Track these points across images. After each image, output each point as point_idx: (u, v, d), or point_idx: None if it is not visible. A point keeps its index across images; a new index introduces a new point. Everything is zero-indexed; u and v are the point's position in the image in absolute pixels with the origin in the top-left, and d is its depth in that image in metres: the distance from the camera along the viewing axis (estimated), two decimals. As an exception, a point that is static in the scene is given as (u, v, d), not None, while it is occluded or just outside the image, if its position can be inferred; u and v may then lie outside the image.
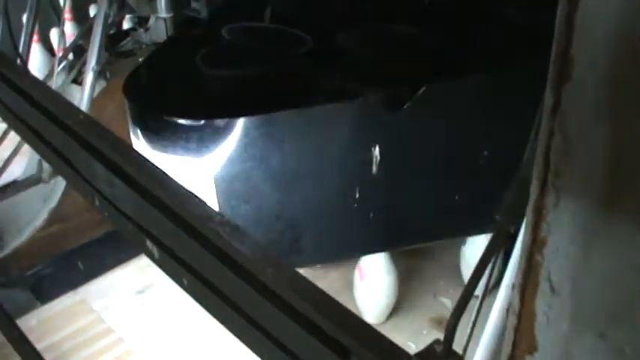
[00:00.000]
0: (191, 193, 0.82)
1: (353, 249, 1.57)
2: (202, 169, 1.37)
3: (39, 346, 1.52)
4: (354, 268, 2.01)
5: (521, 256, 0.72)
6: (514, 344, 0.76)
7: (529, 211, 0.69)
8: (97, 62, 2.12)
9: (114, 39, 2.42)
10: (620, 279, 0.64)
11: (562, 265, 0.68)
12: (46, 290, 2.29)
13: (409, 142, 1.42)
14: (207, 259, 0.81)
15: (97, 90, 2.25)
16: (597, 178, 0.62)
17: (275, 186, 1.39)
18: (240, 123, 1.34)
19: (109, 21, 2.21)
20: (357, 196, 1.42)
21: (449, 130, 1.44)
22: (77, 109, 1.06)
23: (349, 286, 2.04)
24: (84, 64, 2.16)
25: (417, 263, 2.21)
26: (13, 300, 2.30)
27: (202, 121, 1.37)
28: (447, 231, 1.60)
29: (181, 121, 1.38)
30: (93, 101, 2.22)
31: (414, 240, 1.60)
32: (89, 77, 2.12)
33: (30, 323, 2.17)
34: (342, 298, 1.97)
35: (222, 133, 1.35)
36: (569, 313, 0.69)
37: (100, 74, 2.21)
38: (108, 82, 2.31)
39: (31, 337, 1.48)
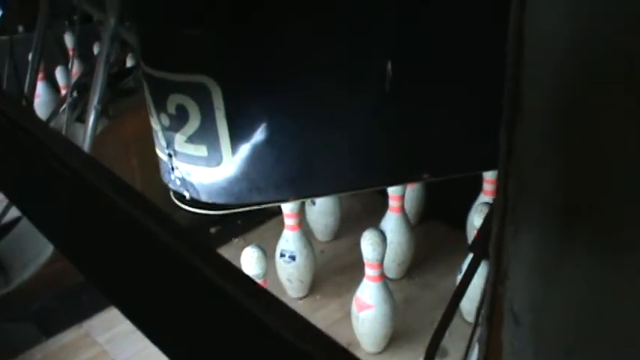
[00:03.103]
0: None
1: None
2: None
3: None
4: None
5: (487, 288, 0.75)
6: (485, 373, 0.79)
7: (491, 243, 0.73)
8: (99, 100, 2.18)
9: (116, 77, 2.48)
10: (578, 311, 0.68)
11: (523, 296, 0.71)
12: (50, 324, 2.32)
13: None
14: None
15: (100, 128, 2.30)
16: (551, 213, 0.65)
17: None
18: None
19: (112, 59, 2.26)
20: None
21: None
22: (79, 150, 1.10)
23: (350, 315, 2.06)
24: (87, 102, 2.21)
25: (414, 294, 2.24)
26: (19, 334, 2.33)
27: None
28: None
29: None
30: (95, 138, 2.27)
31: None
32: (91, 115, 2.17)
33: (35, 357, 2.21)
34: (341, 328, 2.01)
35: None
36: (532, 343, 0.72)
37: (102, 112, 2.27)
38: (110, 119, 2.37)
39: (36, 372, 1.51)
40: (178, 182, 1.58)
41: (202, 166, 1.51)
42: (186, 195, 1.58)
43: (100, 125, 2.32)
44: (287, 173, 1.48)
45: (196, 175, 1.54)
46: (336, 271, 2.35)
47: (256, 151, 1.46)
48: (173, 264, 0.89)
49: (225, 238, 2.60)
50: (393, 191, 2.14)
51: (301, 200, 2.12)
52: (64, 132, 2.29)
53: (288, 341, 0.79)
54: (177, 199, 1.63)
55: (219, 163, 1.49)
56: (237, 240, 2.57)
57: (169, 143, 1.54)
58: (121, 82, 2.50)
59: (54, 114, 2.45)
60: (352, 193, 2.32)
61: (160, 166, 1.62)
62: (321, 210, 2.42)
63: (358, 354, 2.04)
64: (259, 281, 1.87)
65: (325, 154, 1.48)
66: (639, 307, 0.62)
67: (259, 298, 0.82)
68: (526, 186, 0.67)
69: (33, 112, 2.53)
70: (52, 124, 2.40)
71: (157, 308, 0.89)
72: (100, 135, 2.32)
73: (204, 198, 1.56)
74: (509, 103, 0.65)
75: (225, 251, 2.46)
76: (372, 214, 2.42)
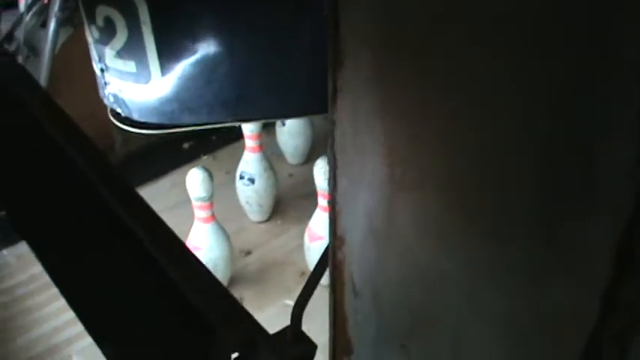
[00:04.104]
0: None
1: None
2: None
3: None
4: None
5: (329, 253, 0.67)
6: (333, 343, 0.71)
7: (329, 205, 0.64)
8: (60, 7, 2.08)
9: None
10: (410, 289, 0.59)
11: (361, 266, 0.62)
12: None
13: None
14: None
15: (64, 36, 2.21)
16: (378, 175, 0.56)
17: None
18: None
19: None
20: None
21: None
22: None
23: (305, 245, 2.00)
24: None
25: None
26: None
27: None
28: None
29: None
30: (59, 47, 2.19)
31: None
32: (52, 22, 2.08)
33: None
34: (298, 256, 1.92)
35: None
36: (374, 319, 0.64)
37: (67, 20, 2.17)
38: (75, 28, 2.27)
39: None
40: (112, 98, 1.50)
41: (132, 83, 1.42)
42: (120, 112, 1.50)
43: (65, 33, 2.23)
44: (219, 95, 1.39)
45: (127, 91, 1.45)
46: (302, 196, 2.27)
47: (186, 71, 1.36)
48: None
49: (195, 154, 2.52)
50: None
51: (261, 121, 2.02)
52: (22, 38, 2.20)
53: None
54: (113, 116, 1.54)
55: (147, 81, 1.39)
56: (205, 157, 2.49)
57: (100, 57, 1.45)
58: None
59: (20, 19, 2.34)
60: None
61: (97, 81, 1.54)
62: (291, 131, 2.33)
63: (311, 284, 1.98)
64: (205, 204, 1.80)
65: (260, 76, 1.38)
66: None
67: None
68: (352, 135, 0.57)
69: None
70: (19, 30, 2.31)
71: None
72: (65, 43, 2.23)
73: (135, 116, 1.48)
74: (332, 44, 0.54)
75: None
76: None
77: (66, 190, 1.07)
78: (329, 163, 0.59)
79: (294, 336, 0.83)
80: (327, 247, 0.87)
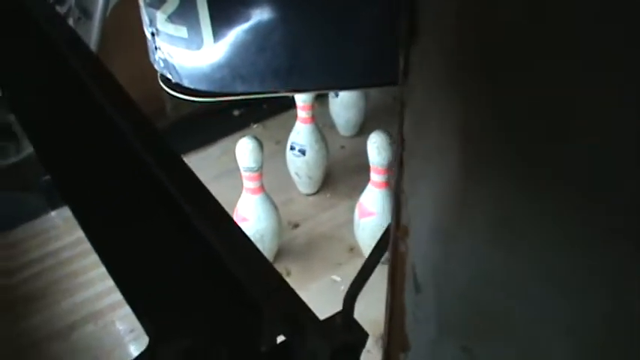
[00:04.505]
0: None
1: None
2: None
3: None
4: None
5: (390, 242, 0.61)
6: (388, 338, 0.65)
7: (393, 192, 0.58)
8: (113, -34, 2.05)
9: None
10: (478, 290, 0.53)
11: (425, 260, 0.57)
12: (57, 197, 2.27)
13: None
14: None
15: (116, -1, 2.18)
16: (450, 162, 0.50)
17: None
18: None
19: None
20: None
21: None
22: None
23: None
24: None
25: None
26: (26, 204, 2.30)
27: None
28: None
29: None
30: (113, 9, 2.16)
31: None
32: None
33: (39, 227, 2.20)
34: (347, 231, 1.88)
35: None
36: (435, 317, 0.58)
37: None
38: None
39: None
40: (162, 64, 1.45)
41: (183, 49, 1.37)
42: (170, 78, 1.46)
43: (118, -6, 2.19)
44: (272, 63, 1.33)
45: (178, 57, 1.40)
46: (353, 169, 2.21)
47: (238, 38, 1.31)
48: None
49: (246, 123, 2.47)
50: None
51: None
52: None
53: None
54: (163, 82, 1.50)
55: (199, 47, 1.34)
56: (255, 126, 2.45)
57: (152, 21, 1.40)
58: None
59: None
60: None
61: (148, 45, 1.50)
62: (344, 102, 2.27)
63: (360, 261, 1.92)
64: (254, 174, 1.75)
65: (315, 46, 1.32)
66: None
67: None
68: (421, 121, 0.51)
69: None
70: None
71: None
72: (116, 6, 2.20)
73: (186, 83, 1.43)
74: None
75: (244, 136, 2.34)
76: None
77: (111, 157, 1.04)
78: (396, 146, 0.53)
79: (345, 323, 0.79)
80: (385, 232, 0.81)
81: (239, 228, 0.83)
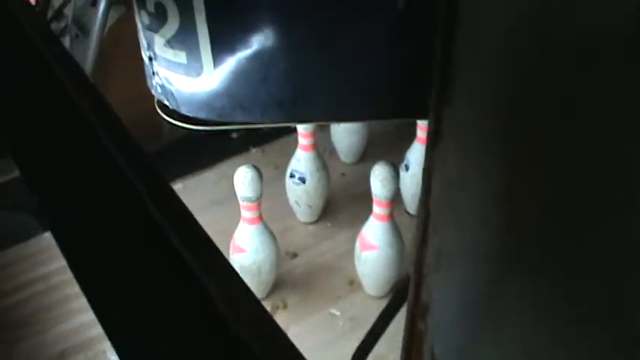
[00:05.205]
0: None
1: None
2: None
3: None
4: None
5: (406, 319, 0.55)
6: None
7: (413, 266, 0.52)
8: (111, -15, 2.00)
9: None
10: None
11: (448, 342, 0.50)
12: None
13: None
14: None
15: (115, 16, 2.13)
16: (484, 236, 0.44)
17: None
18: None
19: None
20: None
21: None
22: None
23: (355, 251, 1.88)
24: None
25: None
26: (16, 224, 2.24)
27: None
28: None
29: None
30: (110, 27, 2.11)
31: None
32: (102, 1, 1.99)
33: (30, 249, 2.14)
34: (347, 262, 1.81)
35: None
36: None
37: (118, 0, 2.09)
38: (128, 8, 2.17)
39: None
40: (159, 89, 1.39)
41: (182, 75, 1.31)
42: (168, 104, 1.39)
43: (116, 13, 2.14)
44: (275, 94, 1.27)
45: (176, 83, 1.34)
46: (354, 197, 2.14)
47: (240, 65, 1.25)
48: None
49: (244, 146, 2.41)
50: (422, 122, 1.89)
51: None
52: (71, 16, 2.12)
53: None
54: (160, 108, 1.44)
55: (199, 74, 1.28)
56: (254, 150, 2.38)
57: (149, 44, 1.35)
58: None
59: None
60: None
61: (145, 70, 1.44)
62: (346, 128, 2.21)
63: (359, 295, 1.87)
64: (252, 204, 1.69)
65: (322, 77, 1.25)
66: None
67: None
68: (451, 190, 0.45)
69: None
70: (68, 8, 2.23)
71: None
72: (115, 24, 2.15)
73: (184, 110, 1.37)
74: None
75: (241, 161, 2.28)
76: (406, 137, 2.17)
77: (99, 181, 1.00)
78: (418, 218, 0.47)
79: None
80: (392, 298, 0.75)
81: (229, 265, 0.78)
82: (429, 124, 0.43)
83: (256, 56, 1.23)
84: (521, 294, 0.43)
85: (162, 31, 1.28)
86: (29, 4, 2.13)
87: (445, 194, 0.44)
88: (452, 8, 0.36)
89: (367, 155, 2.29)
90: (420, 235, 0.48)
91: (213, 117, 1.33)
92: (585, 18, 0.33)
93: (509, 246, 0.42)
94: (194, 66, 1.27)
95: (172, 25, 1.26)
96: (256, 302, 0.71)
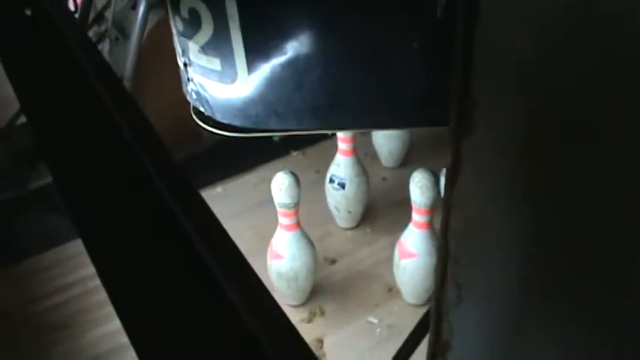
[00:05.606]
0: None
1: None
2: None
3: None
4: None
5: (427, 356, 0.52)
6: None
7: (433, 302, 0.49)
8: (151, -11, 1.99)
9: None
10: None
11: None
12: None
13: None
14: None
15: (155, 19, 2.12)
16: (506, 273, 0.41)
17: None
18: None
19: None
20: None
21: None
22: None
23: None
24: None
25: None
26: (57, 226, 2.24)
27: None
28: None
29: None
30: (149, 30, 2.10)
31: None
32: (142, 5, 1.98)
33: (71, 251, 2.13)
34: (385, 269, 1.78)
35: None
36: None
37: (158, 3, 2.08)
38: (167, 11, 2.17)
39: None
40: (194, 95, 1.38)
41: (216, 82, 1.29)
42: (203, 111, 1.38)
43: (155, 16, 2.13)
44: (310, 101, 1.24)
45: (211, 90, 1.32)
46: (394, 203, 2.11)
47: (274, 73, 1.22)
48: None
49: (285, 150, 2.39)
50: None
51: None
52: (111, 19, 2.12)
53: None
54: (196, 115, 1.43)
55: (233, 81, 1.26)
56: (295, 154, 2.36)
57: (184, 51, 1.33)
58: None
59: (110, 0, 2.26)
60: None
61: (181, 75, 1.42)
62: (387, 133, 2.17)
63: (398, 303, 1.83)
64: (290, 211, 1.66)
65: (357, 84, 1.22)
66: None
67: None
68: (472, 226, 0.42)
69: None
70: (108, 11, 2.23)
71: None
72: (154, 27, 2.14)
73: (218, 117, 1.35)
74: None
75: (281, 165, 2.26)
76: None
77: (131, 193, 1.00)
78: (439, 256, 0.44)
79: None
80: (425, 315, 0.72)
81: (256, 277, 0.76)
82: (448, 158, 0.40)
83: (291, 63, 1.20)
84: (544, 331, 0.40)
85: (196, 37, 1.27)
86: (69, 11, 2.14)
87: (465, 229, 0.41)
88: (468, 44, 0.33)
89: (409, 160, 2.26)
90: (439, 271, 0.45)
91: (247, 124, 1.31)
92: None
93: (533, 283, 0.39)
94: (228, 73, 1.25)
95: (206, 32, 1.24)
96: (279, 311, 0.69)
